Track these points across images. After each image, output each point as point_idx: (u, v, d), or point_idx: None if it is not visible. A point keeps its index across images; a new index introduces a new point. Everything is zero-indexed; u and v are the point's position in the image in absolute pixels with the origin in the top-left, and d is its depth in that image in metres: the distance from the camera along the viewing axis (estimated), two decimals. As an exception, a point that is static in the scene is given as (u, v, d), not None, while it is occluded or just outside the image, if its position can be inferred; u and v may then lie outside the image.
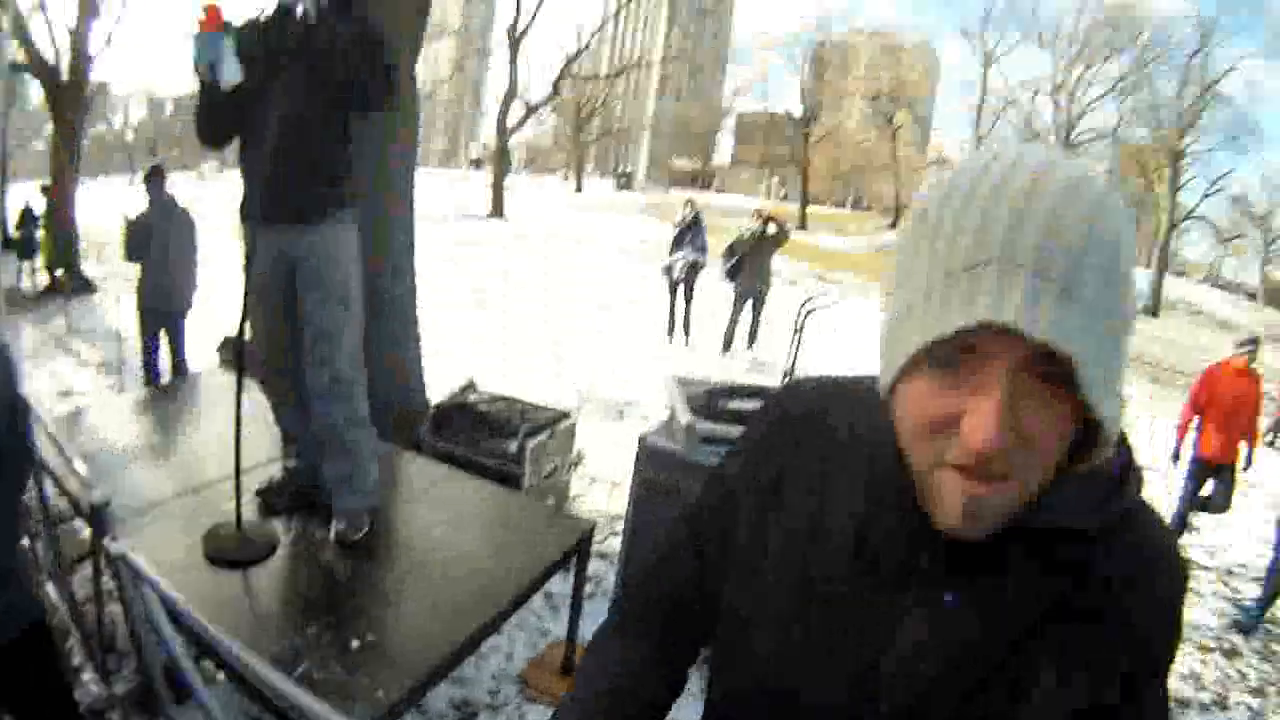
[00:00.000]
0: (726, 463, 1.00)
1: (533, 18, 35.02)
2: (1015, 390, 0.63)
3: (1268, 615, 6.10)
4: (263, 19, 3.17)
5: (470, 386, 5.65)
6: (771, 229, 10.97)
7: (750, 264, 10.89)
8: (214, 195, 21.51)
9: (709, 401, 4.09)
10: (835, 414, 0.89)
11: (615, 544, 4.96)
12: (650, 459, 4.02)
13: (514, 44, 34.13)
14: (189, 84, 3.09)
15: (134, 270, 7.03)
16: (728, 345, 11.20)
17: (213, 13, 2.93)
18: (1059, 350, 0.60)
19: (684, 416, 3.92)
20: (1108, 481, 0.76)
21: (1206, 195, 54.42)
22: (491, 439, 4.97)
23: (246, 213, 3.22)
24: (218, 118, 3.21)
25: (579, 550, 3.47)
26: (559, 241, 24.07)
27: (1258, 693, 5.19)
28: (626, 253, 22.67)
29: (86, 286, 13.21)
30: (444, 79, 45.68)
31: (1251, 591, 6.45)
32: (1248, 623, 6.00)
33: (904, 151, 59.19)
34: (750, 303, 11.23)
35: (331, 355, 3.26)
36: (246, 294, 3.18)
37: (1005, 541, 0.72)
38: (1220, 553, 7.46)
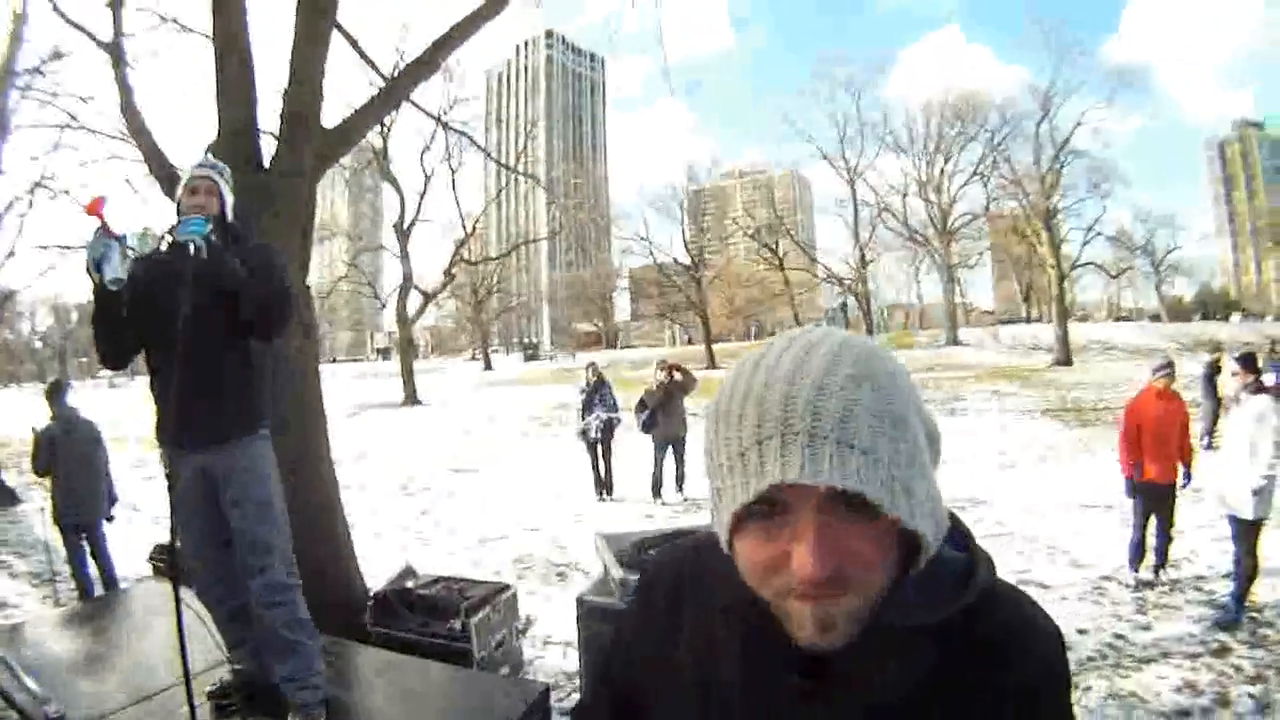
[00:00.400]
0: (619, 630, 1.13)
1: (417, 212, 35.83)
2: (827, 524, 0.76)
3: (1247, 604, 6.33)
4: (163, 250, 3.35)
5: (408, 572, 5.69)
6: (677, 376, 11.25)
7: (663, 413, 11.10)
8: (125, 402, 21.22)
9: (637, 553, 4.24)
10: (693, 573, 1.02)
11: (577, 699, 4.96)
12: (590, 616, 4.13)
13: (402, 237, 34.75)
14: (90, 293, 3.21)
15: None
16: (657, 492, 11.31)
17: (95, 202, 3.09)
18: (846, 489, 0.74)
19: (615, 571, 4.07)
20: (951, 578, 0.87)
21: (1086, 243, 56.71)
22: (435, 620, 5.01)
23: (164, 435, 3.34)
24: (115, 335, 3.36)
25: (539, 712, 3.51)
26: (475, 420, 24.16)
27: (1257, 679, 5.29)
28: (543, 422, 22.76)
29: (10, 497, 12.99)
30: (341, 276, 45.91)
31: (1225, 589, 6.67)
32: (1228, 620, 6.20)
33: (795, 276, 60.49)
34: (671, 448, 11.39)
35: (266, 564, 3.33)
36: (174, 511, 3.25)
37: (865, 646, 0.82)
38: (1186, 563, 7.70)
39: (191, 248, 3.18)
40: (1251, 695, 5.06)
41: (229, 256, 3.26)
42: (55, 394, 7.22)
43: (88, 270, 3.12)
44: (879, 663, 0.83)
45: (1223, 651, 5.74)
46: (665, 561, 1.09)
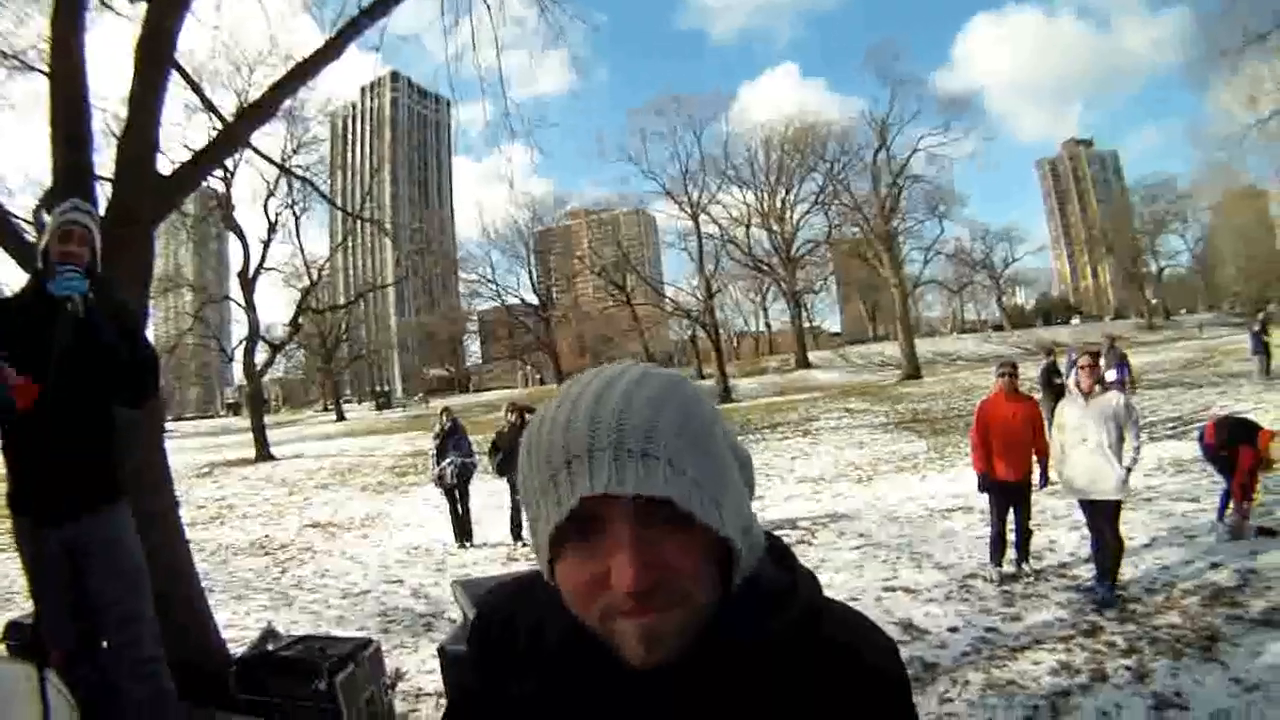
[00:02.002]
0: (459, 679, 1.10)
1: (261, 260, 34.91)
2: (642, 536, 0.78)
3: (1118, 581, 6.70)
4: (23, 303, 3.14)
5: (269, 634, 5.47)
6: (528, 418, 11.20)
7: (517, 454, 11.00)
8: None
9: (493, 599, 4.17)
10: (522, 613, 0.99)
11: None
12: (453, 665, 4.02)
13: (248, 287, 33.79)
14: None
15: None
16: (517, 535, 11.15)
17: (28, 393, 2.89)
18: (654, 495, 0.76)
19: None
20: (775, 596, 0.88)
21: (927, 262, 59.43)
22: (300, 682, 4.83)
23: (19, 506, 3.13)
24: None
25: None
26: (330, 474, 23.60)
27: (1130, 652, 5.54)
28: (399, 471, 22.40)
29: None
30: (186, 329, 44.44)
31: (1089, 573, 7.04)
32: (1106, 598, 6.52)
33: (643, 311, 61.05)
34: (526, 490, 11.25)
35: (135, 636, 3.19)
36: (34, 587, 3.07)
37: (697, 664, 0.82)
38: (1047, 553, 8.04)
39: (69, 306, 2.99)
40: (1127, 668, 5.30)
41: (103, 319, 3.07)
42: None
43: None
44: (712, 680, 0.83)
45: (1094, 631, 6.00)
46: (494, 603, 1.07)
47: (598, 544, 0.80)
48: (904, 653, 5.14)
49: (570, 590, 0.83)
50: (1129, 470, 6.63)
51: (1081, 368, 7.13)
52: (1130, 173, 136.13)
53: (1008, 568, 7.55)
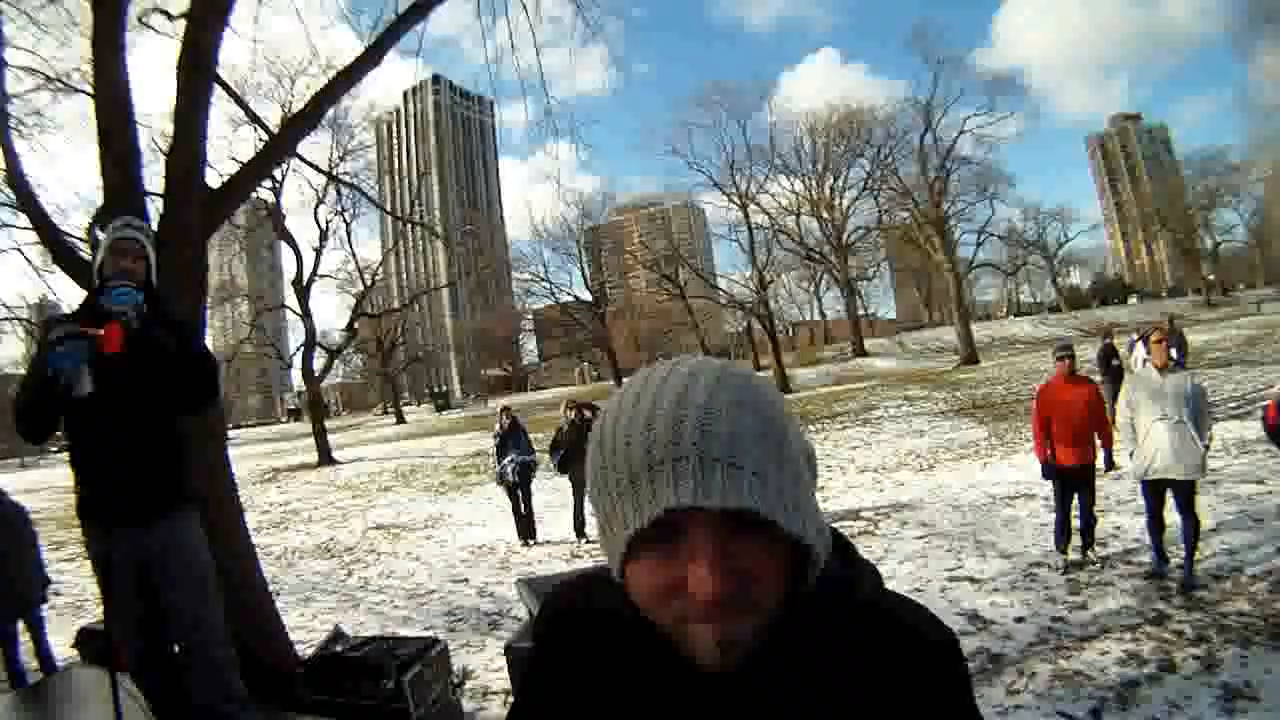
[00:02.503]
0: (525, 676, 1.07)
1: (314, 267, 35.29)
2: (723, 544, 0.77)
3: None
4: (80, 318, 3.20)
5: (337, 635, 5.53)
6: (586, 414, 11.28)
7: (577, 452, 11.00)
8: (41, 481, 20.40)
9: (558, 596, 4.18)
10: (588, 609, 0.98)
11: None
12: (520, 663, 4.03)
13: (302, 295, 34.18)
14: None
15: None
16: (580, 531, 11.22)
17: (114, 333, 2.93)
18: (740, 508, 0.75)
19: (539, 615, 3.99)
20: (837, 590, 0.88)
21: (979, 245, 58.33)
22: (367, 682, 4.88)
23: (90, 513, 3.19)
24: (48, 420, 3.17)
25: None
26: (392, 475, 23.85)
27: (1199, 641, 5.43)
28: (461, 471, 22.58)
29: None
30: (243, 339, 45.12)
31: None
32: (1190, 582, 6.47)
33: (697, 304, 60.87)
34: (588, 485, 11.29)
35: (204, 640, 3.24)
36: (105, 592, 3.12)
37: (766, 664, 0.83)
38: (1112, 540, 7.91)
39: (123, 319, 3.04)
40: (1196, 657, 5.19)
41: (159, 329, 3.13)
42: None
43: (49, 376, 2.91)
44: (782, 679, 0.83)
45: (1161, 620, 5.89)
46: (559, 600, 1.06)
47: (676, 548, 0.79)
48: (969, 644, 5.09)
49: (644, 592, 0.83)
50: (1207, 448, 6.50)
51: (1156, 342, 6.99)
52: (1181, 146, 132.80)
53: (1073, 555, 7.43)
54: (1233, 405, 15.31)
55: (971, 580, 7.33)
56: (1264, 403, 8.84)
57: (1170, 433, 6.50)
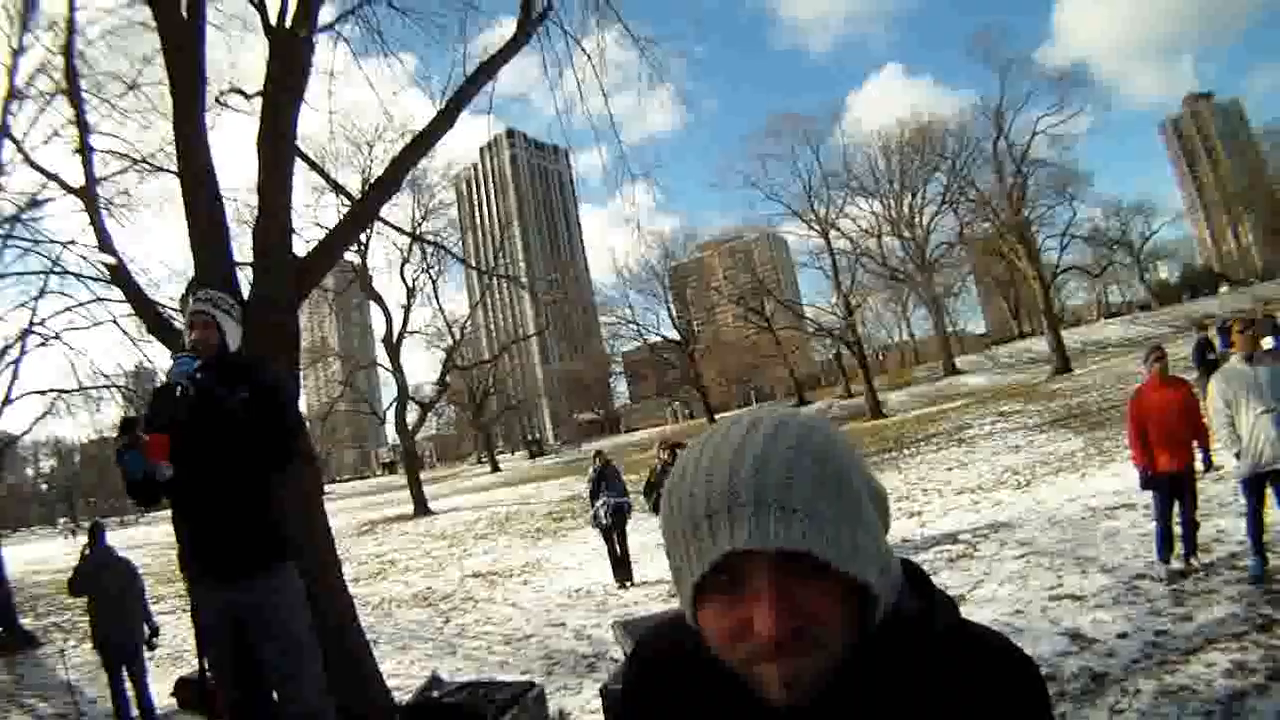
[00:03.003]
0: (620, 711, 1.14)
1: (403, 324, 36.00)
2: (782, 586, 0.82)
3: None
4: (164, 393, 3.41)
5: (434, 681, 5.66)
6: (680, 453, 11.29)
7: (673, 493, 11.06)
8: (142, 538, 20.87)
9: (654, 638, 4.23)
10: (675, 650, 1.03)
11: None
12: (613, 706, 4.11)
13: (393, 351, 34.87)
14: (93, 432, 3.29)
15: (73, 619, 7.25)
16: (676, 573, 11.20)
17: (157, 444, 3.17)
18: (795, 550, 0.80)
19: (634, 658, 4.05)
20: (912, 625, 0.91)
21: (1063, 248, 56.98)
22: (465, 727, 4.98)
23: (189, 569, 3.37)
24: (150, 496, 3.41)
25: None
26: (488, 523, 24.08)
27: None
28: (556, 516, 22.70)
29: (29, 640, 13.08)
30: (337, 396, 46.08)
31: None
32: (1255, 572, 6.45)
33: (784, 335, 60.49)
34: (683, 525, 11.26)
35: (298, 693, 3.36)
36: (202, 645, 3.28)
37: (839, 701, 0.86)
38: (1216, 545, 7.68)
39: (178, 390, 3.25)
40: None
41: (223, 391, 3.32)
42: (94, 534, 7.87)
43: (133, 478, 3.21)
44: (854, 713, 0.87)
45: (1269, 626, 5.69)
46: (649, 641, 1.13)
47: (739, 593, 0.84)
48: (1071, 664, 5.08)
49: (714, 635, 0.87)
50: None
51: (1239, 333, 6.82)
52: (1257, 120, 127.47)
53: (1176, 564, 7.22)
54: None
55: (1073, 598, 7.15)
56: None
57: (1273, 424, 6.33)
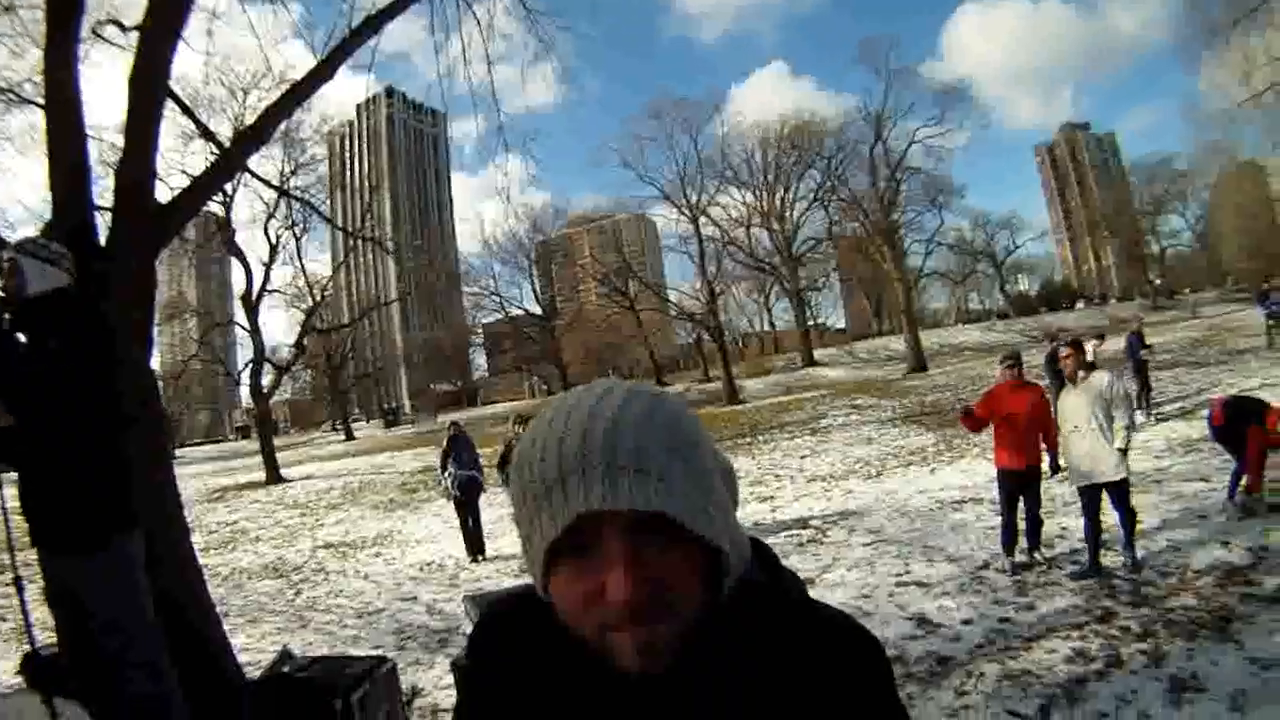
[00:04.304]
0: (462, 695, 1.10)
1: (264, 283, 34.91)
2: (635, 551, 0.81)
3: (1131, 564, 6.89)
4: None
5: (285, 656, 5.48)
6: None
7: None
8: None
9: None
10: (522, 624, 1.00)
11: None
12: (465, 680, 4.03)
13: (251, 310, 33.81)
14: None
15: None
16: (527, 546, 11.16)
17: None
18: (648, 510, 0.80)
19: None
20: (760, 598, 0.93)
21: (928, 254, 59.55)
22: (318, 703, 4.83)
23: (33, 539, 3.15)
24: None
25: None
26: (341, 493, 23.69)
27: (1145, 636, 5.55)
28: (409, 488, 22.49)
29: None
30: (191, 355, 44.47)
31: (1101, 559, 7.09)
32: (1134, 561, 6.81)
33: (647, 316, 60.94)
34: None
35: (128, 678, 3.18)
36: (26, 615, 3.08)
37: (690, 670, 0.86)
38: (1059, 541, 8.11)
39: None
40: (1142, 652, 5.30)
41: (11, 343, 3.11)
42: None
43: None
44: (706, 680, 0.86)
45: (1108, 617, 6.00)
46: (494, 615, 1.09)
47: (591, 559, 0.83)
48: (917, 648, 5.20)
49: (565, 605, 0.86)
50: (1122, 450, 6.75)
51: (1063, 358, 7.28)
52: (1128, 154, 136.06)
53: (1020, 557, 7.55)
54: (1178, 405, 15.62)
55: (919, 585, 7.42)
56: (1209, 403, 9.06)
57: (1083, 441, 6.86)
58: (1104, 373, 7.14)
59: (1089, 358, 14.39)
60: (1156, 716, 4.51)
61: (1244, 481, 7.84)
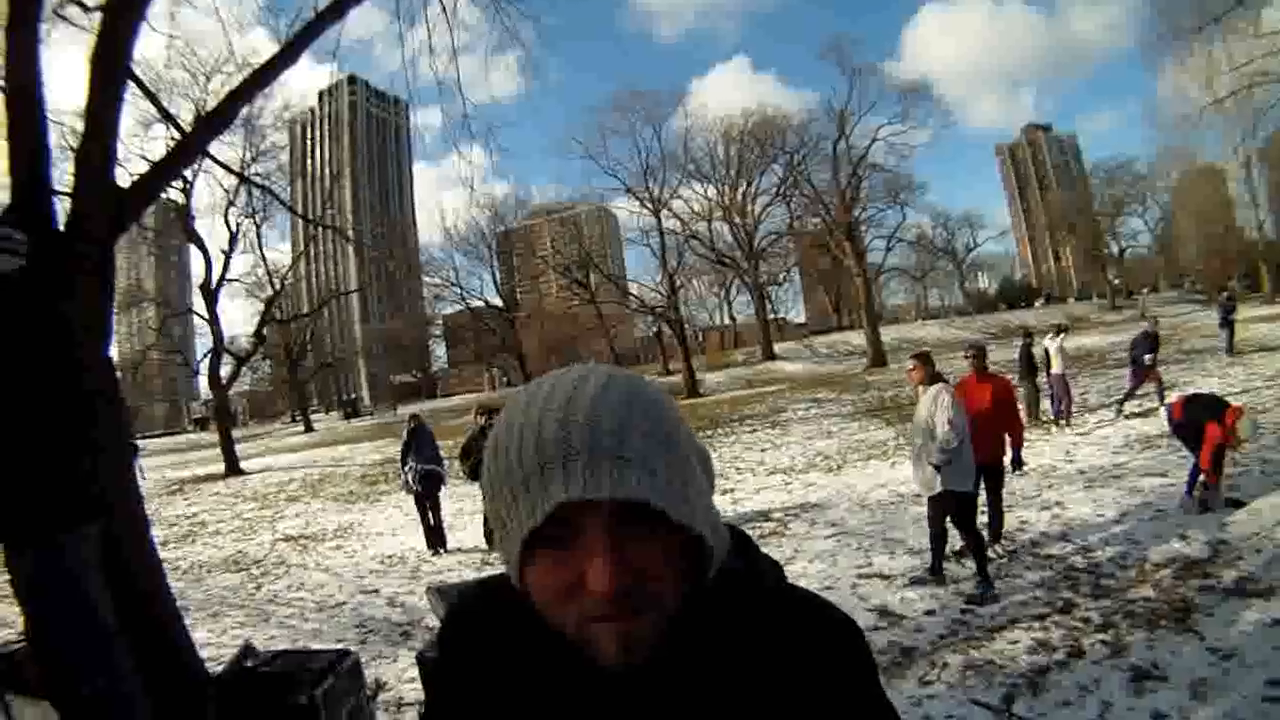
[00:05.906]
0: (429, 687, 1.06)
1: (223, 271, 34.57)
2: (618, 541, 0.78)
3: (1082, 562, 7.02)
4: None
5: (247, 650, 5.40)
6: (494, 420, 11.20)
7: (486, 457, 10.98)
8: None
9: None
10: (493, 616, 0.97)
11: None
12: (431, 673, 3.98)
13: (210, 299, 33.47)
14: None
15: None
16: (490, 538, 11.09)
17: None
18: (630, 499, 0.77)
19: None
20: (738, 586, 0.91)
21: (889, 250, 60.40)
22: (280, 698, 4.77)
23: None
24: None
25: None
26: (300, 486, 23.53)
27: (1106, 627, 5.62)
28: (370, 480, 22.40)
29: None
30: (150, 345, 43.88)
31: (1061, 551, 7.39)
32: (986, 594, 6.56)
33: (607, 309, 61.13)
34: (498, 491, 11.23)
35: (92, 676, 3.11)
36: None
37: (671, 661, 0.84)
38: (1019, 533, 8.17)
39: None
40: (1104, 642, 5.38)
41: None
42: None
43: None
44: (687, 672, 0.85)
45: (1069, 608, 6.09)
46: (463, 607, 1.06)
47: (571, 549, 0.79)
48: (880, 639, 5.24)
49: (542, 596, 0.83)
50: (935, 466, 6.75)
51: (909, 371, 7.41)
52: (1089, 156, 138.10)
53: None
54: (1136, 403, 15.89)
55: (881, 577, 7.48)
56: (1169, 401, 9.17)
57: (913, 461, 7.12)
58: (939, 385, 7.03)
59: (1053, 351, 14.62)
60: (1119, 705, 4.57)
61: (1201, 477, 7.92)
